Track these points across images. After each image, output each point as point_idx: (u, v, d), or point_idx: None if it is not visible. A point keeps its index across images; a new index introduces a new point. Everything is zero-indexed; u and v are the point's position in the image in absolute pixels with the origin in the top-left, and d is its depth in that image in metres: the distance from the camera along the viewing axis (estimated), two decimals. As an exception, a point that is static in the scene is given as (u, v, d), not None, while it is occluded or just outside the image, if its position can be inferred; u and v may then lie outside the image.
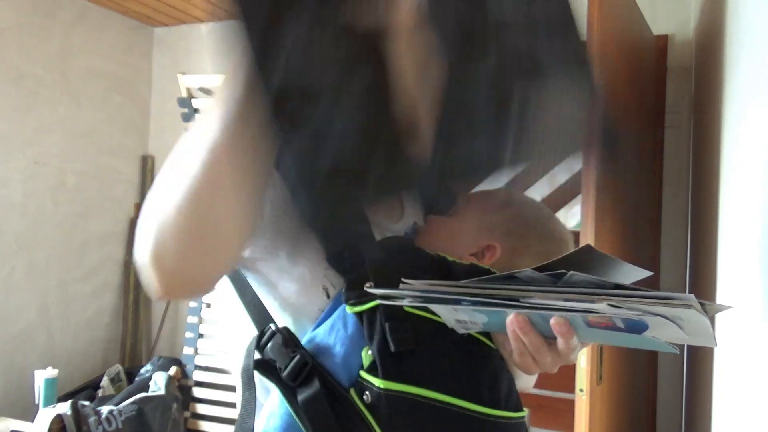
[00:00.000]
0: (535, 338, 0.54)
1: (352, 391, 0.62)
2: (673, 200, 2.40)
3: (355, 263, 0.66)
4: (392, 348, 0.61)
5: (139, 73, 3.44)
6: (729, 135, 1.43)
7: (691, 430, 2.07)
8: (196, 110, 3.05)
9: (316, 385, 0.61)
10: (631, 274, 0.55)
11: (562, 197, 4.14)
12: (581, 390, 1.59)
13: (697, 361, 1.94)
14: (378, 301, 0.61)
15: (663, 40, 2.41)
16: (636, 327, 0.50)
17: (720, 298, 1.48)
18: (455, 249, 0.70)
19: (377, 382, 0.61)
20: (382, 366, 0.61)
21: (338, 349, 0.64)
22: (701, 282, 1.87)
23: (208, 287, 0.64)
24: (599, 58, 1.65)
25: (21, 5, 2.79)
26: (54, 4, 2.94)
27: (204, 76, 3.11)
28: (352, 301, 0.65)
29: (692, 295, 0.45)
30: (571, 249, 0.73)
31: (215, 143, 0.55)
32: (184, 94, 3.05)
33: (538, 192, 4.49)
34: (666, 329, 0.50)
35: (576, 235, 1.72)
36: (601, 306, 0.47)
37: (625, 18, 1.93)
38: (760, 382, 1.00)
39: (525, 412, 0.71)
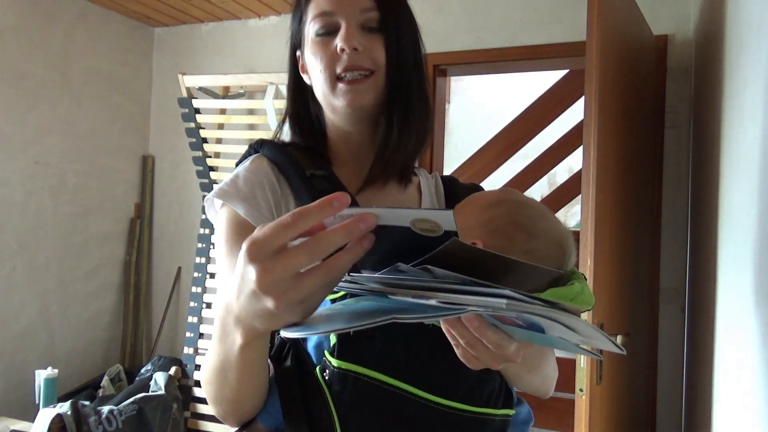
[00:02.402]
0: (462, 331, 0.55)
1: (318, 369, 0.69)
2: (673, 200, 2.40)
3: None
4: (351, 332, 0.66)
5: (139, 73, 3.44)
6: (729, 135, 1.43)
7: (691, 430, 2.07)
8: (196, 110, 3.05)
9: (288, 362, 0.71)
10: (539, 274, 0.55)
11: (562, 197, 4.15)
12: (581, 390, 1.59)
13: (697, 361, 1.94)
14: (344, 291, 0.66)
15: (663, 40, 2.41)
16: (535, 326, 0.51)
17: (720, 297, 1.48)
18: None
19: (333, 361, 0.67)
20: (339, 347, 0.68)
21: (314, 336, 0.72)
22: (701, 281, 1.87)
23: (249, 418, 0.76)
24: (599, 58, 1.65)
25: (21, 5, 2.79)
26: (54, 4, 2.94)
27: (204, 76, 3.11)
28: None
29: (508, 290, 0.45)
30: (568, 249, 0.73)
31: (223, 363, 0.66)
32: (184, 94, 3.05)
33: (537, 192, 4.47)
34: (560, 330, 0.50)
35: (576, 234, 1.72)
36: (432, 302, 0.48)
37: (625, 18, 1.93)
38: (760, 382, 1.01)
39: (503, 411, 0.72)
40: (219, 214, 0.83)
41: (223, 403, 0.72)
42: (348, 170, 0.86)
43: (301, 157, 0.84)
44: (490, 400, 0.71)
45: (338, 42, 0.79)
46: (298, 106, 0.90)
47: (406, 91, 0.84)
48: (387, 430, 0.67)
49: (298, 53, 0.88)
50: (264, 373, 0.69)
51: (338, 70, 0.80)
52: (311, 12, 0.83)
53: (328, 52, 0.81)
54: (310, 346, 0.72)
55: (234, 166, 0.89)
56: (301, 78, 0.89)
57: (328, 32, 0.81)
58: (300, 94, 0.90)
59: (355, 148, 0.87)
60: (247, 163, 0.85)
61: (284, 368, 0.71)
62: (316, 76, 0.83)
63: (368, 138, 0.87)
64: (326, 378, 0.68)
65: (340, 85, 0.80)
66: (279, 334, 0.75)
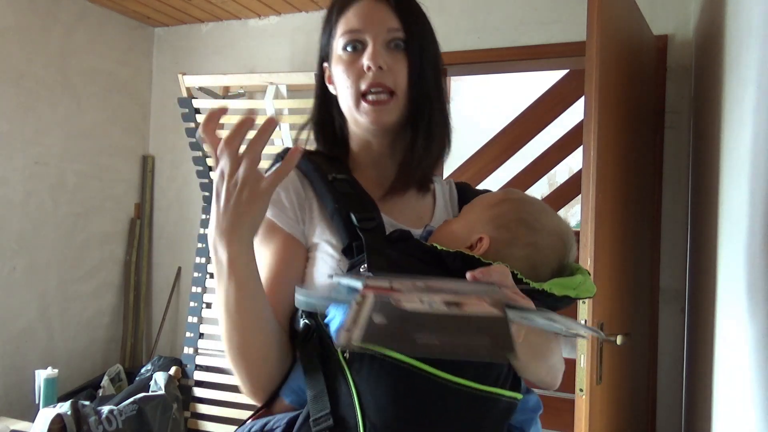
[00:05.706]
0: None
1: (339, 349, 0.75)
2: (673, 200, 2.40)
3: (360, 251, 0.80)
4: None
5: (139, 73, 3.44)
6: (728, 135, 1.43)
7: (691, 430, 2.07)
8: (196, 110, 3.05)
9: (312, 343, 0.78)
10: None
11: (562, 197, 4.15)
12: (581, 390, 1.60)
13: (697, 361, 1.94)
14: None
15: (663, 40, 2.41)
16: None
17: (720, 297, 1.48)
18: (455, 243, 0.80)
19: None
20: None
21: (338, 318, 0.76)
22: (701, 281, 1.87)
23: (271, 390, 0.83)
24: (599, 58, 1.65)
25: (21, 5, 2.79)
26: (54, 4, 2.94)
27: (204, 76, 3.11)
28: None
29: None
30: (568, 242, 0.84)
31: (228, 312, 0.77)
32: (184, 94, 3.05)
33: (537, 192, 4.46)
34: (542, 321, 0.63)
35: (576, 234, 1.72)
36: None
37: (625, 18, 1.93)
38: (760, 381, 1.01)
39: (510, 393, 0.76)
40: None
41: (237, 357, 0.78)
42: (367, 176, 0.93)
43: (324, 164, 0.91)
44: (497, 381, 0.75)
45: (365, 60, 0.86)
46: (323, 115, 0.96)
47: (428, 109, 0.91)
48: (401, 405, 0.72)
49: (325, 64, 0.95)
50: (264, 311, 0.77)
51: (363, 87, 0.86)
52: (340, 28, 0.89)
53: (354, 68, 0.87)
54: (333, 330, 0.77)
55: None
56: (327, 88, 0.95)
57: (354, 48, 0.88)
58: (325, 103, 0.96)
59: (375, 156, 0.93)
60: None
61: (308, 348, 0.78)
62: (342, 90, 0.89)
63: (388, 148, 0.93)
64: (346, 357, 0.74)
65: (364, 105, 0.86)
66: (302, 317, 0.80)
